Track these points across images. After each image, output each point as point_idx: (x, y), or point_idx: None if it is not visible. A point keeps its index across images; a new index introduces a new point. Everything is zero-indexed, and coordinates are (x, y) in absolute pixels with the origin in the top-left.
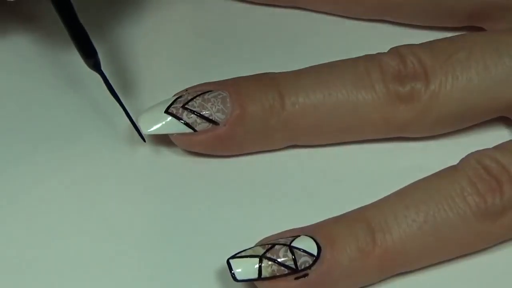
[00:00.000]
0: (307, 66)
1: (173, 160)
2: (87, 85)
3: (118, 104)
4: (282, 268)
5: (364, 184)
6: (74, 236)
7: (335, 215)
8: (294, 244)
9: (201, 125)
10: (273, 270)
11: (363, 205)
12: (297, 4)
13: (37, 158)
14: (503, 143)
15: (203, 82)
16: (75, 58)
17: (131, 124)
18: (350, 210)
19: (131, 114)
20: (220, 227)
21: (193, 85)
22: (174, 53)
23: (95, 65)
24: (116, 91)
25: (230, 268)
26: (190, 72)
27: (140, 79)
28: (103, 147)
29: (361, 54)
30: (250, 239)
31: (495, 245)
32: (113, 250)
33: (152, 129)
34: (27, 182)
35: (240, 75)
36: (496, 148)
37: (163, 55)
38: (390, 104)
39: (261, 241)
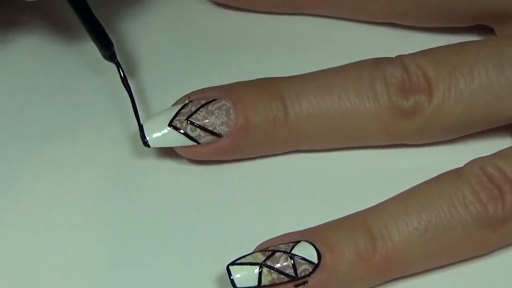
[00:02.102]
0: (313, 70)
1: (173, 163)
2: (90, 85)
3: (123, 106)
4: (282, 276)
5: (364, 186)
6: (73, 238)
7: (335, 217)
8: (294, 251)
9: (205, 138)
10: (273, 278)
11: (364, 207)
12: (303, 11)
13: (39, 158)
14: (506, 149)
15: (206, 77)
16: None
17: (137, 124)
18: (350, 212)
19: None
20: (220, 230)
21: (194, 86)
22: (179, 54)
23: (111, 56)
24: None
25: (230, 274)
26: (194, 70)
27: (144, 76)
28: (105, 147)
29: (366, 57)
30: (250, 243)
31: (493, 251)
32: (112, 254)
33: (155, 143)
34: (27, 182)
35: (243, 78)
36: (500, 155)
37: (169, 54)
38: (393, 117)
39: (260, 245)
